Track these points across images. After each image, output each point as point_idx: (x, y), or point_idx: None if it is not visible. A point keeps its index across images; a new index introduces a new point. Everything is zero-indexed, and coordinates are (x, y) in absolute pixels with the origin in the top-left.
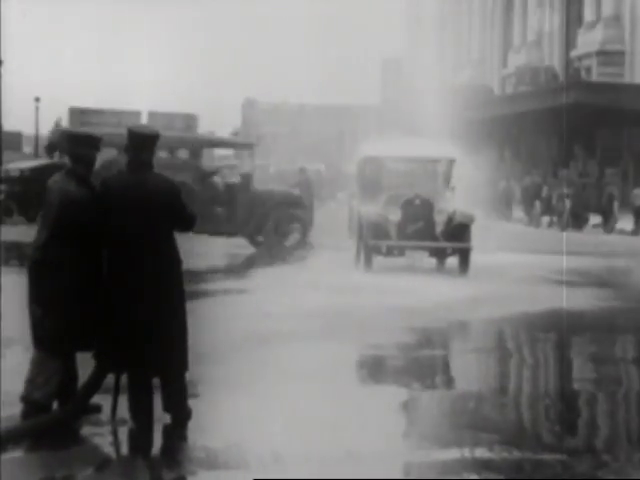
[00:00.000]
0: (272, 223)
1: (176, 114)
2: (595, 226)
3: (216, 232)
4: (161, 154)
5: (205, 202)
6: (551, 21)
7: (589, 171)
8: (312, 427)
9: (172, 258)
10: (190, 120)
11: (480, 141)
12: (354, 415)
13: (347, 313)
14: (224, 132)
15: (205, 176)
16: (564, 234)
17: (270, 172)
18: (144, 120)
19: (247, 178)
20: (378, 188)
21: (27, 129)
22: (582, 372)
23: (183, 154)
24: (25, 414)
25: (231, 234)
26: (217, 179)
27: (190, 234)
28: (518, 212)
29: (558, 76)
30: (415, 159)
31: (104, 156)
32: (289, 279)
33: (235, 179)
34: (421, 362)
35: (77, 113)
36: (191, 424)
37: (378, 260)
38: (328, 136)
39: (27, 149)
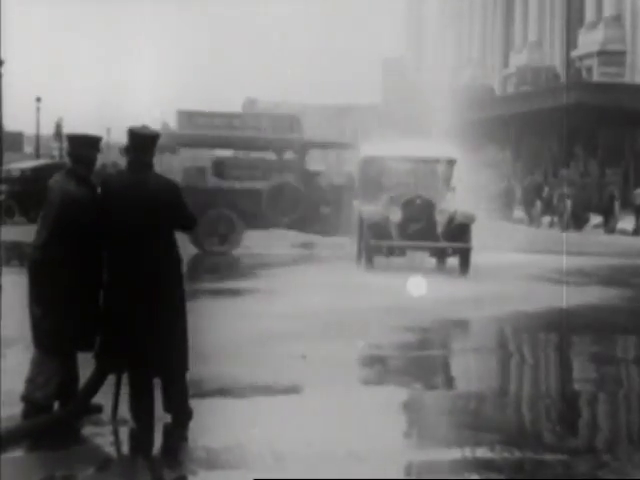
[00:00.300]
0: None
1: (281, 116)
2: (596, 226)
3: (322, 232)
4: (268, 155)
5: (311, 202)
6: (552, 21)
7: (590, 171)
8: (312, 427)
9: (173, 258)
10: (294, 122)
11: (481, 141)
12: (354, 414)
13: (347, 312)
14: None
15: (310, 177)
16: (564, 234)
17: None
18: (251, 122)
19: (351, 178)
20: (379, 188)
21: (28, 129)
22: (582, 372)
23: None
24: (26, 414)
25: (337, 234)
26: (321, 179)
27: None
28: (519, 212)
29: (559, 76)
30: (416, 159)
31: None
32: (290, 279)
33: (340, 180)
34: (421, 361)
35: (186, 116)
36: (192, 424)
37: (379, 260)
38: (329, 136)
39: (28, 149)
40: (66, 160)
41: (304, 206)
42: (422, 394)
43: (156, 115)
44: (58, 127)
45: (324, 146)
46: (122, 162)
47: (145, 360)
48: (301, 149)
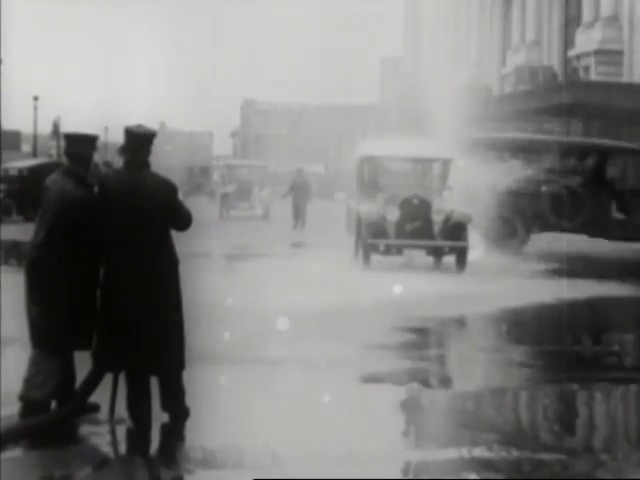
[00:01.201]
0: None
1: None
2: None
3: (613, 237)
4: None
5: (594, 207)
6: (550, 21)
7: None
8: (311, 427)
9: (169, 257)
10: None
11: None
12: (352, 414)
13: (345, 310)
14: (224, 132)
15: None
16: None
17: (269, 173)
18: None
19: None
20: (376, 187)
21: (26, 128)
22: (580, 370)
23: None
24: (23, 413)
25: (628, 239)
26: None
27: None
28: None
29: (557, 75)
30: (413, 159)
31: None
32: (290, 277)
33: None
34: (417, 359)
35: None
36: (189, 423)
37: (376, 258)
38: (328, 136)
39: (26, 148)
40: (63, 159)
41: (584, 210)
42: (420, 393)
43: (155, 114)
44: (56, 126)
45: (618, 151)
46: (116, 160)
47: (142, 359)
48: (601, 155)
